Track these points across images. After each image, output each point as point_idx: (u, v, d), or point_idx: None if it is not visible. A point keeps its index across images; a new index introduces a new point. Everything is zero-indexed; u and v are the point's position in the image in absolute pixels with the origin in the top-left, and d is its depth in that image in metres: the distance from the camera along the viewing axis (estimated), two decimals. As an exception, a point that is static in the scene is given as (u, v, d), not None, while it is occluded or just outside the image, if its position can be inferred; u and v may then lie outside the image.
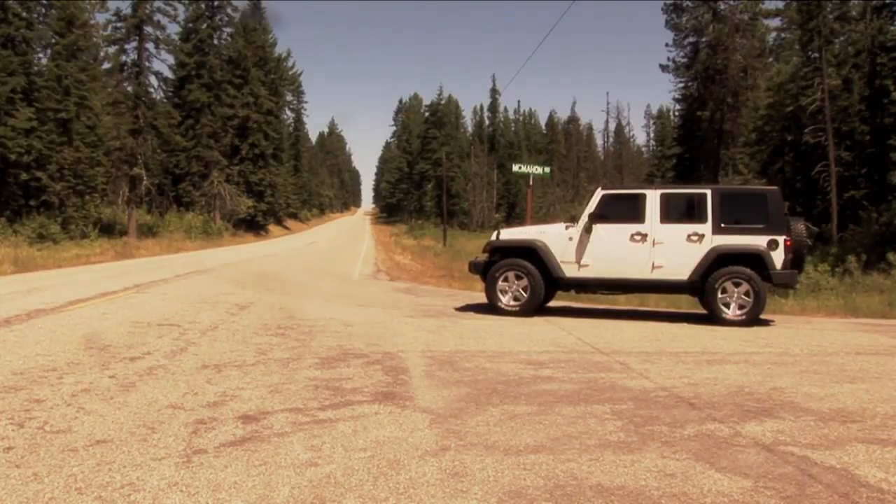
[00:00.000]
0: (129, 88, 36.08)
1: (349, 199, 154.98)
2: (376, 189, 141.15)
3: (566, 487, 2.91)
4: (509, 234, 10.10)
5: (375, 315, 8.92)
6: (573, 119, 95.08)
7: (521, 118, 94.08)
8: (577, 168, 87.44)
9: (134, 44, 35.14)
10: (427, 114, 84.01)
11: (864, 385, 5.03)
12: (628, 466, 3.17)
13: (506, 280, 9.36)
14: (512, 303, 9.33)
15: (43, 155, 27.03)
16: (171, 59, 40.47)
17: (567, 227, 9.42)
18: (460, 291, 13.26)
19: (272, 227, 55.66)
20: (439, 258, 25.09)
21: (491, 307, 9.37)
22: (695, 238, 8.74)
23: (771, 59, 35.45)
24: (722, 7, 35.25)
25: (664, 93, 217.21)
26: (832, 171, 22.62)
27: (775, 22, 33.79)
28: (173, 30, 40.61)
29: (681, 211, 9.07)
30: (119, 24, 34.68)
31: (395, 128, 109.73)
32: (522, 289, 9.27)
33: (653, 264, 8.87)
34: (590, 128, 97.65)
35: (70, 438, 3.45)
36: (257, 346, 6.22)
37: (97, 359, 5.50)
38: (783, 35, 33.64)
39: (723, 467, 3.17)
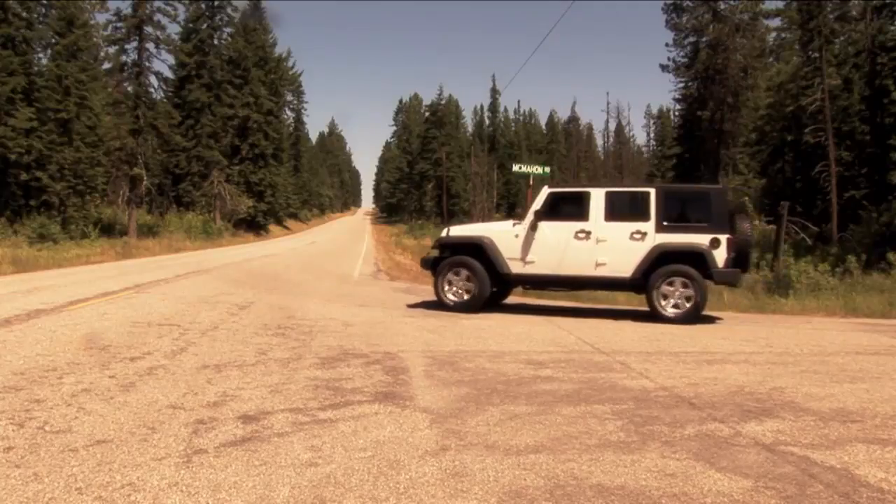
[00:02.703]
0: (130, 88, 36.08)
1: (349, 199, 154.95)
2: (376, 189, 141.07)
3: (566, 487, 2.90)
4: (458, 230, 10.28)
5: (376, 315, 8.92)
6: (573, 119, 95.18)
7: (521, 118, 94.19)
8: (577, 168, 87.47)
9: (134, 44, 35.14)
10: (427, 114, 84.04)
11: (865, 385, 5.03)
12: (628, 466, 3.17)
13: (453, 276, 9.57)
14: (462, 298, 9.50)
15: (43, 155, 27.04)
16: (171, 59, 40.47)
17: (514, 224, 9.60)
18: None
19: (272, 227, 55.66)
20: (439, 258, 25.02)
21: (440, 303, 9.56)
22: (638, 236, 8.82)
23: (771, 59, 35.45)
24: (722, 7, 35.25)
25: (664, 93, 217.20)
26: (832, 171, 22.59)
27: (775, 22, 33.78)
28: (173, 30, 40.65)
29: (625, 209, 9.11)
30: (119, 24, 34.69)
31: (395, 128, 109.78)
32: (470, 285, 9.46)
33: (596, 262, 8.99)
34: (590, 128, 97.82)
35: (70, 438, 3.45)
36: (257, 346, 6.22)
37: (97, 359, 5.50)
38: (783, 35, 33.62)
39: (723, 467, 3.17)
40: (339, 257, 27.06)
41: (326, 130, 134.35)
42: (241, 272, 16.67)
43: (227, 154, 46.21)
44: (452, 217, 66.50)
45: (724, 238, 8.55)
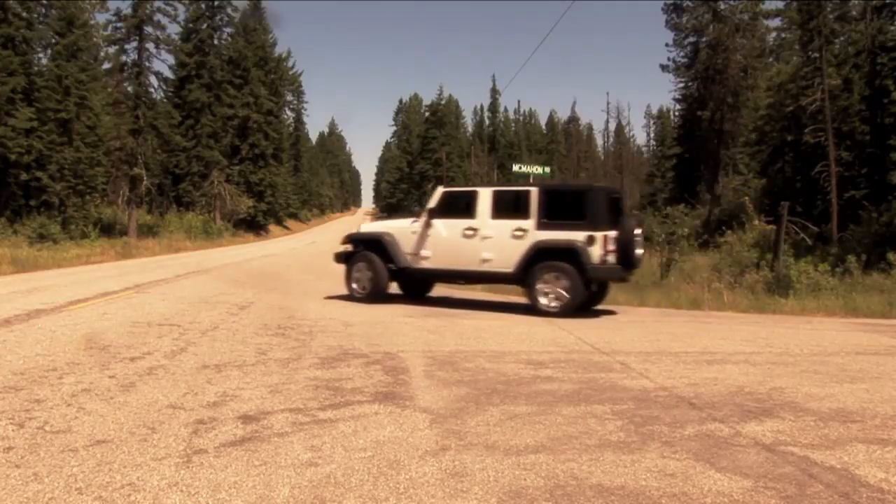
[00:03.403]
0: (130, 88, 36.14)
1: (349, 199, 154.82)
2: (376, 189, 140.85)
3: (566, 487, 2.90)
4: (367, 227, 11.39)
5: (375, 315, 8.91)
6: (573, 119, 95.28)
7: (521, 118, 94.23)
8: (577, 168, 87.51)
9: (134, 44, 35.20)
10: (427, 114, 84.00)
11: (864, 385, 5.02)
12: (628, 466, 3.17)
13: (358, 269, 10.42)
14: (364, 289, 10.36)
15: (43, 155, 27.04)
16: (171, 59, 40.55)
17: (413, 222, 10.28)
18: (459, 291, 13.25)
19: (272, 228, 55.66)
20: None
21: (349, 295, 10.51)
22: (519, 233, 9.23)
23: (771, 59, 35.47)
24: (722, 7, 35.26)
25: (664, 93, 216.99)
26: (832, 171, 22.57)
27: (775, 22, 33.79)
28: (173, 30, 40.67)
29: (509, 208, 9.50)
30: (119, 24, 34.75)
31: (395, 128, 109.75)
32: (369, 278, 10.27)
33: (482, 258, 9.51)
34: (590, 128, 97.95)
35: (70, 438, 3.45)
36: (257, 346, 6.22)
37: (97, 359, 5.50)
38: (783, 35, 33.65)
39: (723, 467, 3.17)
40: (339, 257, 27.01)
41: (326, 130, 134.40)
42: (241, 272, 16.67)
43: (227, 154, 46.23)
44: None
45: (599, 235, 8.72)
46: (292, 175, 70.68)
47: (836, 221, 21.54)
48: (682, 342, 7.09)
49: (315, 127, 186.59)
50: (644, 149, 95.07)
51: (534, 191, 9.38)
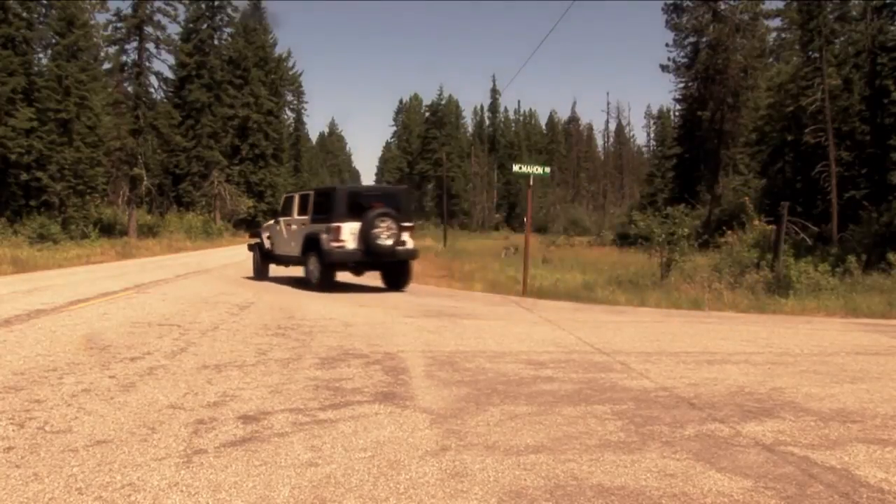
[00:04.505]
0: (130, 88, 36.19)
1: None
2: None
3: (566, 487, 2.90)
4: (264, 225, 14.90)
5: (375, 315, 8.92)
6: (573, 119, 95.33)
7: (521, 118, 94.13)
8: (577, 168, 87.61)
9: (134, 44, 35.29)
10: (427, 114, 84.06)
11: (865, 385, 5.02)
12: (629, 466, 3.17)
13: (253, 258, 14.59)
14: (254, 273, 14.50)
15: (43, 155, 27.05)
16: (171, 60, 40.61)
17: (276, 220, 13.71)
18: (460, 291, 13.26)
19: (272, 228, 55.61)
20: (439, 258, 25.09)
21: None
22: (304, 226, 12.30)
23: (771, 60, 35.49)
24: (722, 7, 35.31)
25: (664, 93, 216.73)
26: (832, 171, 22.58)
27: (775, 22, 33.86)
28: (173, 30, 40.88)
29: (304, 207, 12.54)
30: (119, 25, 34.81)
31: (395, 128, 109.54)
32: (257, 263, 14.46)
33: (291, 246, 12.76)
34: (590, 128, 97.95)
35: (70, 438, 3.45)
36: (257, 347, 6.22)
37: (97, 359, 5.50)
38: (783, 35, 33.68)
39: (723, 467, 3.17)
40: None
41: (326, 130, 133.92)
42: (241, 272, 16.67)
43: (227, 154, 46.27)
44: (452, 217, 66.54)
45: (333, 226, 11.33)
46: (292, 175, 70.56)
47: (836, 221, 21.56)
48: (682, 342, 7.09)
49: (315, 127, 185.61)
50: (644, 149, 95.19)
51: (311, 193, 12.56)
